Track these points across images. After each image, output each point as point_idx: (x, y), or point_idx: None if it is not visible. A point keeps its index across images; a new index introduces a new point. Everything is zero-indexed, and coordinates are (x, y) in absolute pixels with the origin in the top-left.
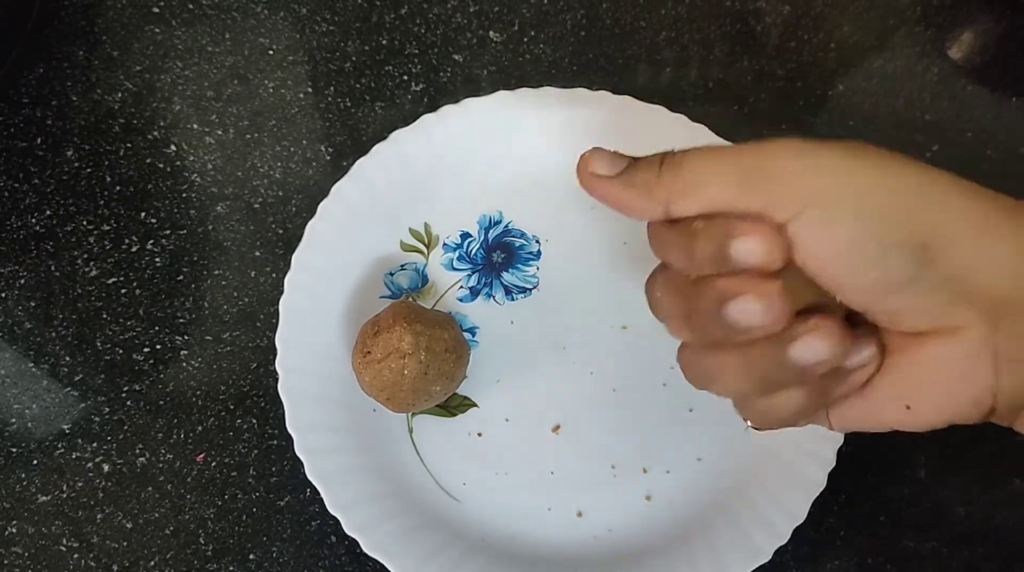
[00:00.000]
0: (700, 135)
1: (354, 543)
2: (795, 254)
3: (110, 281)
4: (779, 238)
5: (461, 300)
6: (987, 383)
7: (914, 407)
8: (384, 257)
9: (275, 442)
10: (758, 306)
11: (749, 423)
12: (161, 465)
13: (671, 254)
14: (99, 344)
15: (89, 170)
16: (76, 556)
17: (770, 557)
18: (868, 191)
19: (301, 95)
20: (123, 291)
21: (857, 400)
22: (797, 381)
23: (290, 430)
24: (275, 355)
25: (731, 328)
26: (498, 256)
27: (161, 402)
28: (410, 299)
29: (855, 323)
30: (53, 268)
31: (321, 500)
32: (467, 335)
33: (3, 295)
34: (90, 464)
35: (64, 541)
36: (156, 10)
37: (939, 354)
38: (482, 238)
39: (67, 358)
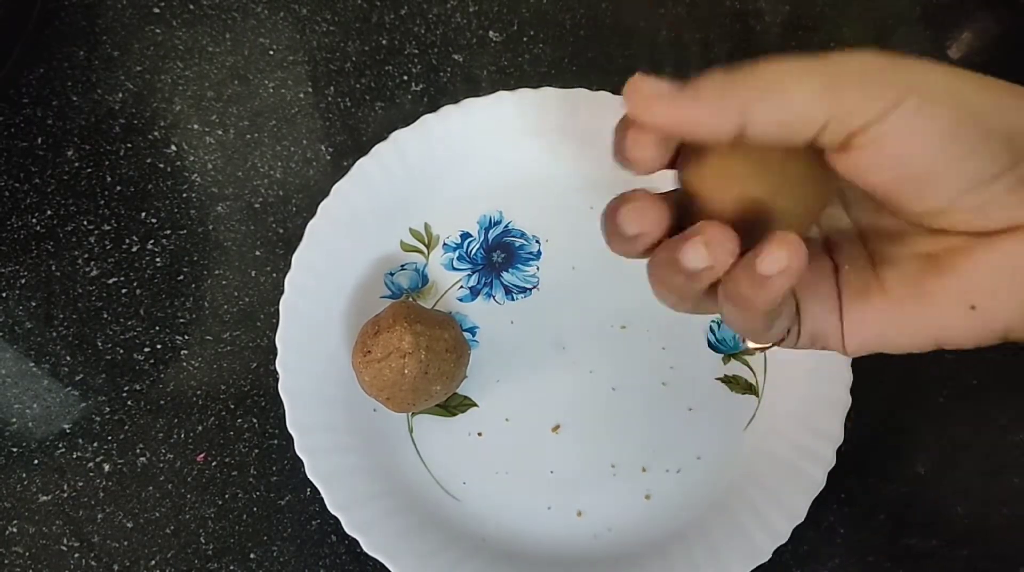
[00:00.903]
0: None
1: (354, 542)
2: (877, 153)
3: (111, 281)
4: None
5: (461, 300)
6: None
7: (980, 308)
8: (384, 257)
9: (275, 442)
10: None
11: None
12: (162, 465)
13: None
14: (100, 344)
15: (89, 170)
16: (77, 556)
17: (770, 556)
18: (964, 84)
19: (301, 95)
20: (123, 291)
21: (895, 308)
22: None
23: (290, 430)
24: (275, 355)
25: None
26: (498, 256)
27: (161, 402)
28: (410, 299)
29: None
30: (54, 268)
31: (321, 500)
32: (467, 335)
33: (4, 295)
34: (91, 464)
35: (65, 541)
36: (156, 10)
37: (1014, 249)
38: (482, 238)
39: (68, 358)
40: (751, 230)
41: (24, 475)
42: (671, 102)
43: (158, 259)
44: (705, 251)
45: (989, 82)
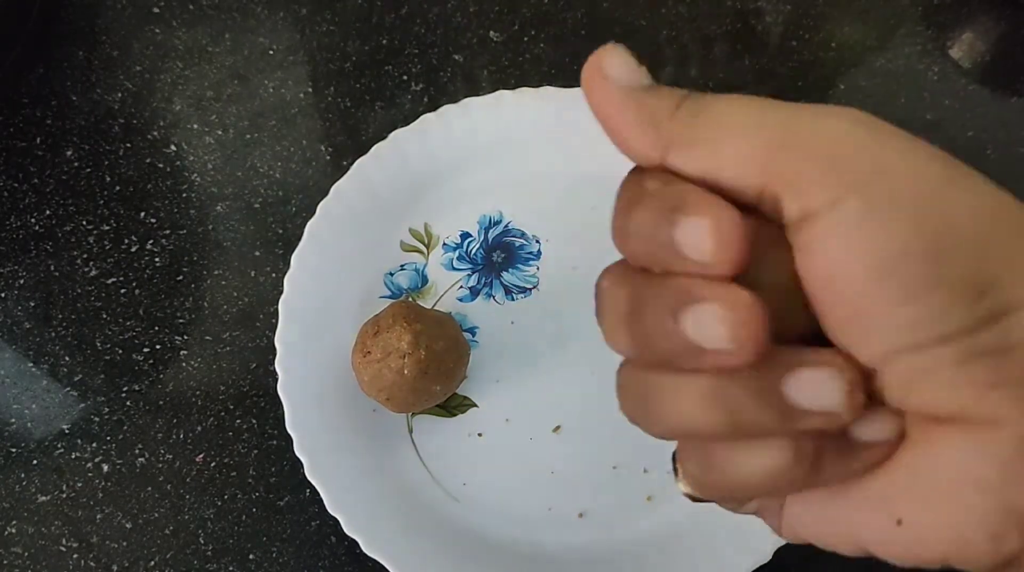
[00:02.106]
0: None
1: (354, 543)
2: (806, 261)
3: (110, 281)
4: (743, 230)
5: (461, 300)
6: (1017, 509)
7: (907, 524)
8: (384, 257)
9: (275, 442)
10: (723, 323)
11: (683, 484)
12: (161, 465)
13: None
14: (99, 344)
15: (89, 170)
16: (76, 556)
17: (770, 557)
18: (939, 186)
19: (301, 95)
20: (123, 291)
21: (826, 499)
22: (783, 431)
23: (290, 430)
24: (275, 355)
25: (684, 347)
26: (498, 256)
27: (161, 402)
28: (410, 299)
29: None
30: (53, 268)
31: (321, 500)
32: (467, 335)
33: (3, 295)
34: (90, 464)
35: (64, 541)
36: (156, 10)
37: (959, 453)
38: (482, 238)
39: (67, 358)
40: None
41: (23, 475)
42: (613, 96)
43: (157, 259)
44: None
45: (979, 196)
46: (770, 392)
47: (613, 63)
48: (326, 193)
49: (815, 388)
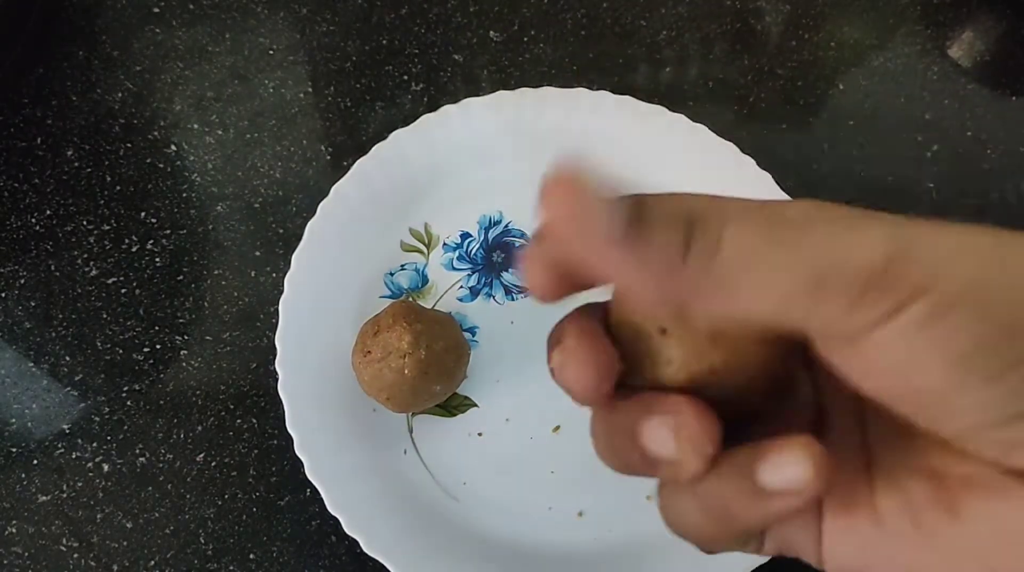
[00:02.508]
0: (700, 135)
1: (354, 543)
2: (867, 365)
3: (110, 281)
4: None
5: (461, 300)
6: None
7: None
8: (384, 257)
9: (275, 442)
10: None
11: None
12: (161, 465)
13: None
14: (99, 344)
15: (89, 170)
16: (76, 556)
17: (770, 557)
18: (998, 273)
19: (301, 95)
20: (123, 291)
21: (906, 543)
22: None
23: (290, 430)
24: (275, 355)
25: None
26: (498, 256)
27: (161, 402)
28: (410, 299)
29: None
30: (53, 268)
31: (321, 500)
32: (467, 335)
33: (3, 295)
34: (90, 464)
35: (64, 541)
36: (156, 10)
37: None
38: (482, 238)
39: (67, 358)
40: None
41: (23, 475)
42: (606, 250)
43: (158, 259)
44: (672, 442)
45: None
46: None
47: (585, 196)
48: (326, 193)
49: (655, 435)
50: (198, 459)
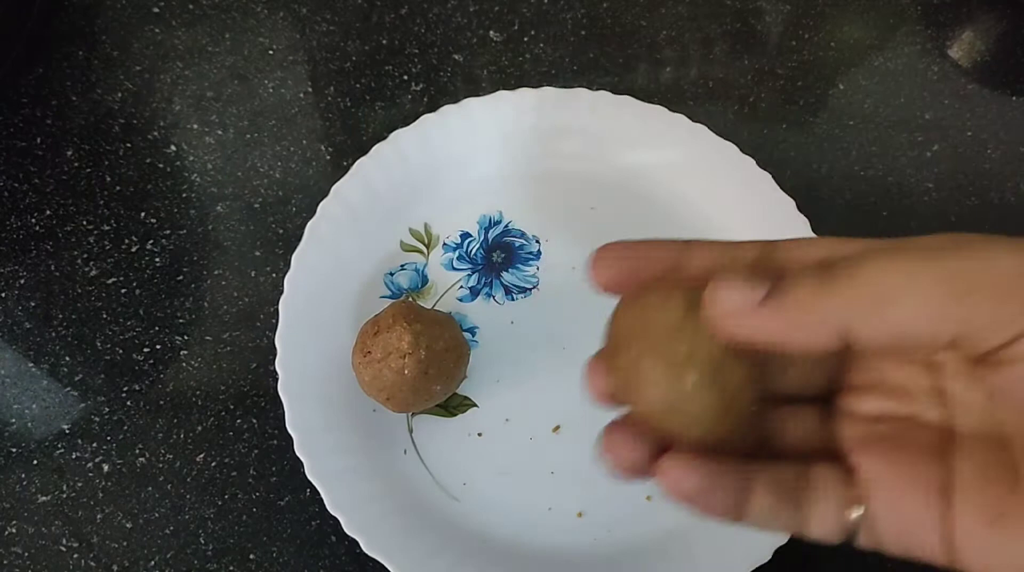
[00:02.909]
0: (700, 135)
1: (354, 543)
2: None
3: (110, 281)
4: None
5: (461, 300)
6: None
7: None
8: (384, 257)
9: (275, 442)
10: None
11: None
12: (161, 465)
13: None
14: (99, 344)
15: (89, 170)
16: (76, 556)
17: (770, 557)
18: None
19: (301, 95)
20: (123, 291)
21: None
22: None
23: (290, 430)
24: (275, 355)
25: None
26: (498, 256)
27: (161, 402)
28: (410, 299)
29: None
30: (53, 268)
31: (321, 500)
32: (467, 335)
33: (3, 295)
34: (90, 464)
35: (64, 541)
36: (156, 10)
37: None
38: (482, 238)
39: (67, 358)
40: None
41: (23, 475)
42: (752, 319)
43: (158, 259)
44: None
45: None
46: None
47: (731, 296)
48: (326, 193)
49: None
50: (198, 459)
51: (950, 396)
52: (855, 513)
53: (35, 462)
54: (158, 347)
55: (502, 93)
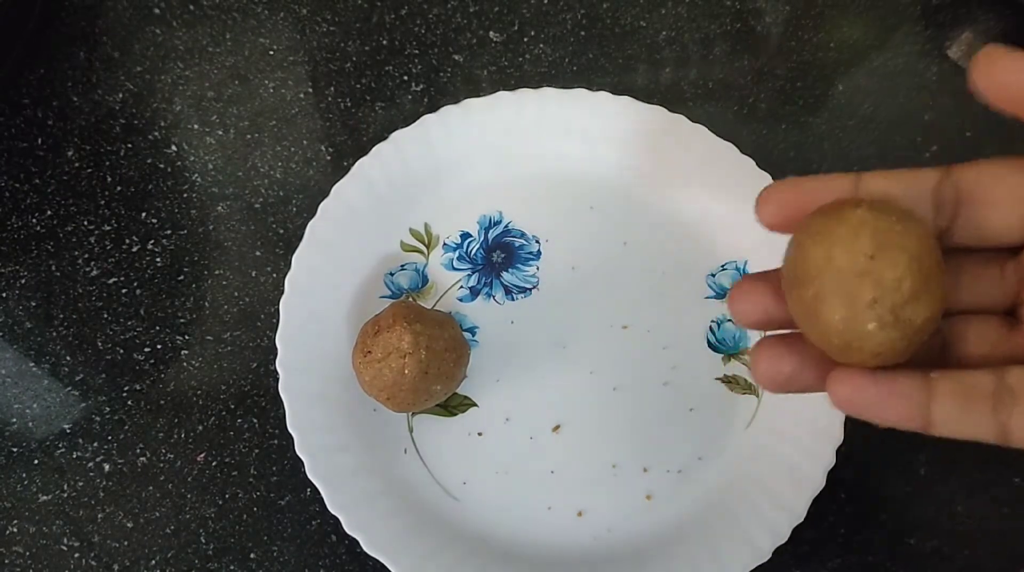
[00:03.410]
0: (699, 135)
1: (354, 542)
2: None
3: (111, 281)
4: None
5: (461, 300)
6: None
7: None
8: (384, 257)
9: (275, 442)
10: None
11: None
12: (162, 465)
13: None
14: (100, 344)
15: (90, 170)
16: (77, 555)
17: (770, 556)
18: None
19: (301, 95)
20: (124, 291)
21: None
22: None
23: (291, 430)
24: (275, 355)
25: None
26: (498, 256)
27: (162, 402)
28: (410, 299)
29: None
30: (54, 268)
31: (321, 499)
32: (467, 335)
33: (4, 295)
34: (91, 464)
35: (65, 540)
36: (157, 11)
37: None
38: (482, 238)
39: (68, 358)
40: None
41: (24, 475)
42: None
43: (158, 259)
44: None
45: None
46: None
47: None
48: (327, 193)
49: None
50: (199, 459)
51: None
52: None
53: (36, 462)
54: (159, 347)
55: (502, 93)
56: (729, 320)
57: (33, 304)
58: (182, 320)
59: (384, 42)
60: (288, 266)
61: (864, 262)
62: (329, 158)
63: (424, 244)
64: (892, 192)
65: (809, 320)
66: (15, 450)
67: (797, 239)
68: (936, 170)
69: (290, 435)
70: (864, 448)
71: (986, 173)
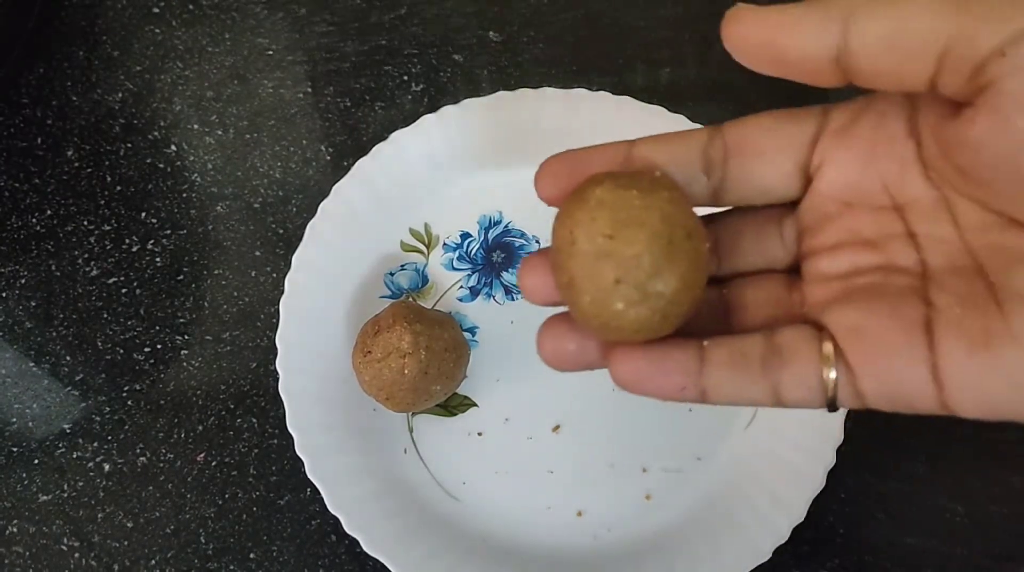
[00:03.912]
0: None
1: (354, 542)
2: (1012, 107)
3: (110, 281)
4: None
5: (461, 300)
6: None
7: None
8: (384, 257)
9: (275, 441)
10: None
11: None
12: (162, 464)
13: None
14: (100, 344)
15: (89, 170)
16: (77, 555)
17: (770, 556)
18: None
19: (301, 95)
20: (123, 291)
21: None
22: None
23: (290, 430)
24: (275, 355)
25: None
26: (498, 256)
27: (161, 402)
28: (410, 299)
29: None
30: (54, 268)
31: (321, 499)
32: (467, 335)
33: (4, 295)
34: (91, 463)
35: (65, 540)
36: (156, 10)
37: None
38: (482, 238)
39: (68, 358)
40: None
41: (24, 475)
42: (768, 21)
43: (158, 259)
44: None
45: None
46: None
47: (750, 13)
48: (326, 193)
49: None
50: (198, 459)
51: (921, 237)
52: (832, 372)
53: (36, 461)
54: (159, 347)
55: (502, 93)
56: None
57: (33, 304)
58: (182, 320)
59: (383, 42)
60: (288, 266)
61: (603, 243)
62: (329, 158)
63: (424, 244)
64: (658, 159)
65: (569, 304)
66: (15, 450)
67: (558, 214)
68: (705, 130)
69: (290, 435)
70: (864, 448)
71: (753, 127)
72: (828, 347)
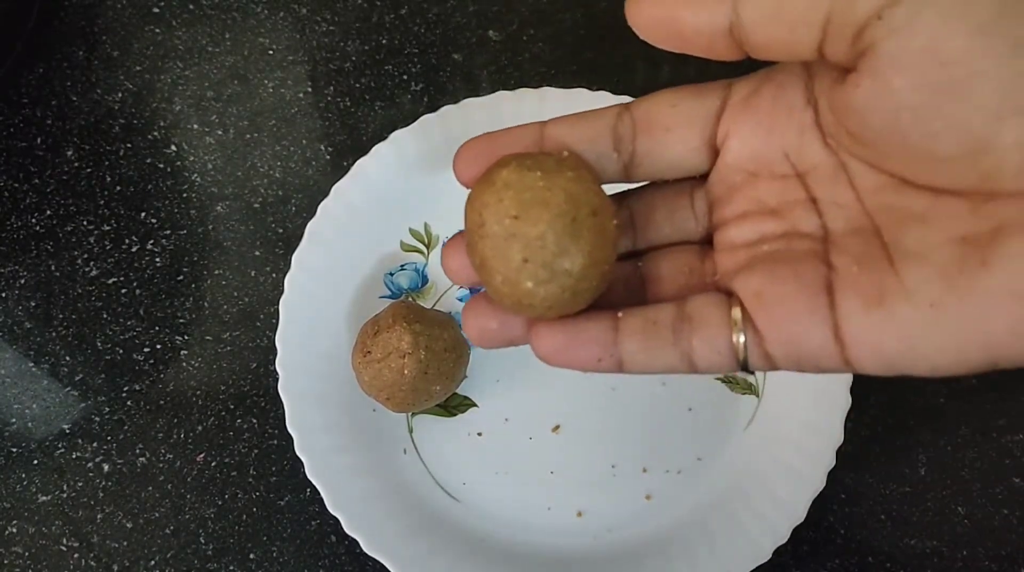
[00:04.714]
0: None
1: (354, 543)
2: (900, 42)
3: (110, 281)
4: None
5: (461, 300)
6: None
7: None
8: (384, 257)
9: (275, 442)
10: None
11: None
12: (161, 465)
13: None
14: (99, 344)
15: (89, 170)
16: (76, 556)
17: (770, 556)
18: None
19: (301, 95)
20: (123, 291)
21: (945, 308)
22: None
23: (290, 430)
24: (275, 355)
25: None
26: None
27: (161, 402)
28: (410, 299)
29: None
30: (53, 268)
31: (321, 500)
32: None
33: (3, 295)
34: (90, 464)
35: (64, 541)
36: (156, 10)
37: None
38: None
39: (67, 358)
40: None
41: (24, 475)
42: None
43: (158, 259)
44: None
45: None
46: None
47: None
48: (326, 193)
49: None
50: (198, 459)
51: (821, 202)
52: (741, 336)
53: (35, 462)
54: (158, 347)
55: (502, 93)
56: None
57: (33, 304)
58: (182, 320)
59: (383, 41)
60: (288, 266)
61: (510, 224)
62: (328, 158)
63: (424, 244)
64: (568, 139)
65: (484, 284)
66: (15, 450)
67: (469, 195)
68: (614, 107)
69: (290, 435)
70: (864, 448)
71: (660, 103)
72: (736, 312)
